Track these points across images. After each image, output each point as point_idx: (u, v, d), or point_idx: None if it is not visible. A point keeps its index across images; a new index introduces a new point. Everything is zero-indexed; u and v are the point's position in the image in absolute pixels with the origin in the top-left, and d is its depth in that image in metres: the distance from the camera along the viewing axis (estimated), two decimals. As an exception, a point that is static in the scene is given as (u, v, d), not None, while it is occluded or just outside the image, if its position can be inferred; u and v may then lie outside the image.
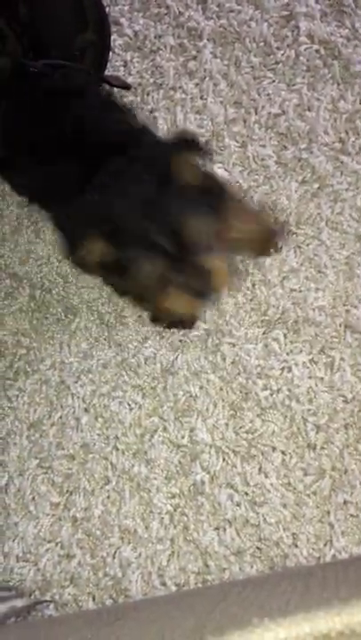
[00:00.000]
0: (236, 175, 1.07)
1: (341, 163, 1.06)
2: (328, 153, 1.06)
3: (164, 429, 1.00)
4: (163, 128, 1.10)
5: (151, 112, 1.12)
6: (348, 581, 0.52)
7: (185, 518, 0.95)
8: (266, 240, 0.88)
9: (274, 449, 0.98)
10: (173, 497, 0.96)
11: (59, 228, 0.86)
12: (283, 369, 1.01)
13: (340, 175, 1.05)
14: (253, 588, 0.60)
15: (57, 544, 0.96)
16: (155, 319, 0.84)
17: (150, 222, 0.71)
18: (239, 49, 1.10)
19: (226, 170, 1.07)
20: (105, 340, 1.05)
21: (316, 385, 1.00)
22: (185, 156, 0.74)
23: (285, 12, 1.10)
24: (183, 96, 1.11)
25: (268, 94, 1.09)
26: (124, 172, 0.74)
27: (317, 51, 1.09)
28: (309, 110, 1.08)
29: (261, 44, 1.10)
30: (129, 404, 1.02)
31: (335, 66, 1.08)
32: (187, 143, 0.75)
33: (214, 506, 0.95)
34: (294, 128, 1.07)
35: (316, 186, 1.05)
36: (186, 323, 0.87)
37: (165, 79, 1.11)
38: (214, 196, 0.76)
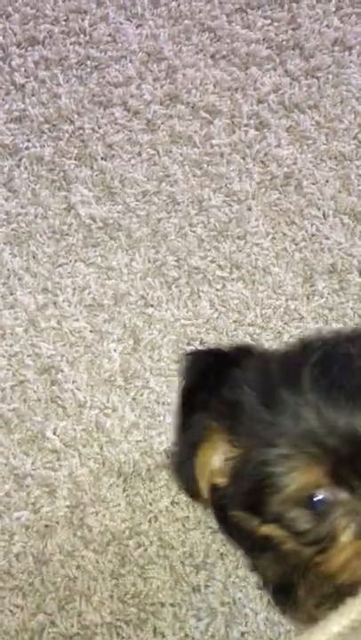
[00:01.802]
0: (60, 350, 1.16)
1: (148, 315, 1.18)
2: (135, 310, 1.18)
3: (52, 624, 0.98)
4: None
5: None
6: None
7: None
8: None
9: (162, 604, 0.99)
10: None
11: None
12: (150, 521, 1.04)
13: (148, 327, 1.17)
14: None
15: None
16: (309, 591, 0.59)
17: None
18: (33, 244, 1.23)
19: (50, 350, 1.16)
20: (-28, 550, 1.03)
21: (184, 525, 1.03)
22: None
23: (64, 204, 1.26)
24: (-6, 297, 1.20)
25: (70, 273, 1.21)
26: None
27: (101, 227, 1.24)
28: (109, 278, 1.21)
29: (51, 234, 1.24)
30: (10, 611, 0.99)
31: (120, 237, 1.24)
32: None
33: None
34: (99, 297, 1.19)
35: (131, 342, 1.16)
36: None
37: (-26, 288, 1.21)
38: None
